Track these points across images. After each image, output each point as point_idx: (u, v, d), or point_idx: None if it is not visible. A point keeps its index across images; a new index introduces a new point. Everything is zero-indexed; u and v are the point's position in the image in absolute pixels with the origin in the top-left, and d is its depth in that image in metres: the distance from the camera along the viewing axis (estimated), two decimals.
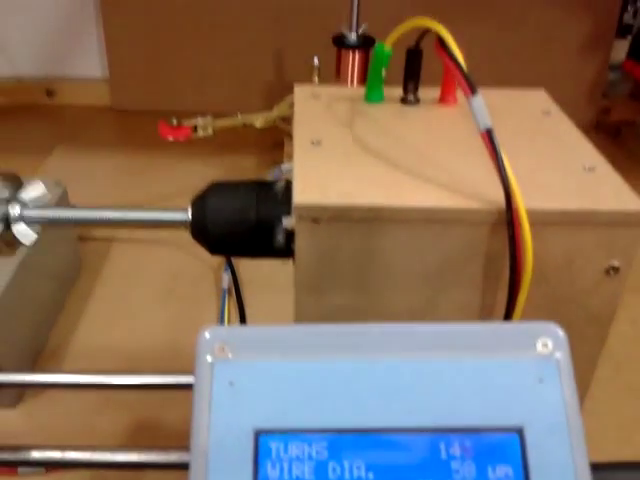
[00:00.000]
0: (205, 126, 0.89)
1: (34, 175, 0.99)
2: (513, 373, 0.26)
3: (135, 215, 0.42)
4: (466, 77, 0.35)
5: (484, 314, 0.38)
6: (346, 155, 0.40)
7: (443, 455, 0.25)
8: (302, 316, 0.39)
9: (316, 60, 0.92)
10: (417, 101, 0.46)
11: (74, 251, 0.80)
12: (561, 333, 0.27)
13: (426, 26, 0.38)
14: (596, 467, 0.25)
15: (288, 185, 0.39)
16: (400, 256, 0.37)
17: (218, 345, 0.27)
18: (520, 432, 0.25)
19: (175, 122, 0.88)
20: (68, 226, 0.73)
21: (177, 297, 0.77)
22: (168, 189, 0.96)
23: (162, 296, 0.77)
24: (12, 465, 0.42)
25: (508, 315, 0.35)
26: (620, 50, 1.22)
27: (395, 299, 0.38)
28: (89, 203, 0.83)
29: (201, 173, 1.00)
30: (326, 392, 0.26)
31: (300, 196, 0.36)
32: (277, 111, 0.92)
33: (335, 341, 0.27)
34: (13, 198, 0.42)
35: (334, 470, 0.24)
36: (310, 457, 0.25)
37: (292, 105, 0.90)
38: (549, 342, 0.27)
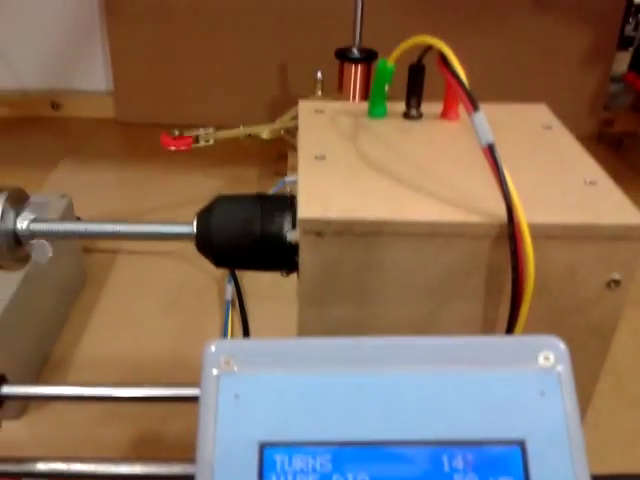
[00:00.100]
0: (206, 136, 0.90)
1: (40, 188, 1.00)
2: (515, 386, 0.26)
3: (142, 228, 0.42)
4: (468, 94, 0.36)
5: (486, 327, 0.39)
6: (350, 170, 0.40)
7: (446, 468, 0.25)
8: (305, 328, 0.39)
9: (319, 74, 0.93)
10: (420, 116, 0.47)
11: (79, 263, 0.80)
12: (562, 346, 0.27)
13: (428, 43, 0.39)
14: (597, 479, 0.26)
15: (292, 199, 0.40)
16: (403, 269, 0.37)
17: (224, 358, 0.27)
18: (522, 445, 0.25)
19: (177, 132, 0.89)
20: (74, 239, 0.73)
21: (181, 308, 0.77)
22: (172, 200, 0.97)
23: (166, 307, 0.77)
24: (17, 477, 0.42)
25: (510, 328, 0.35)
26: (622, 62, 1.23)
27: (398, 312, 0.38)
28: (94, 214, 0.85)
29: (205, 184, 1.01)
30: (330, 405, 0.26)
31: (304, 210, 0.36)
32: (279, 123, 0.93)
33: (339, 354, 0.28)
34: (20, 213, 0.42)
35: None
36: (314, 470, 0.25)
37: (294, 117, 0.91)
38: (551, 355, 0.27)
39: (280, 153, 1.04)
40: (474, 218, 0.36)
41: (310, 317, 0.39)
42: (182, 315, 0.76)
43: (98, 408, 0.61)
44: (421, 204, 0.37)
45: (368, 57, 0.91)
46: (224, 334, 0.72)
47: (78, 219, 0.77)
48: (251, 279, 0.79)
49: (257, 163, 1.09)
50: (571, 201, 0.37)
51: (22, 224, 0.42)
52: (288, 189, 0.83)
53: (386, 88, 0.46)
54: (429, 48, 0.40)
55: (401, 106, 0.47)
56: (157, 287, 0.81)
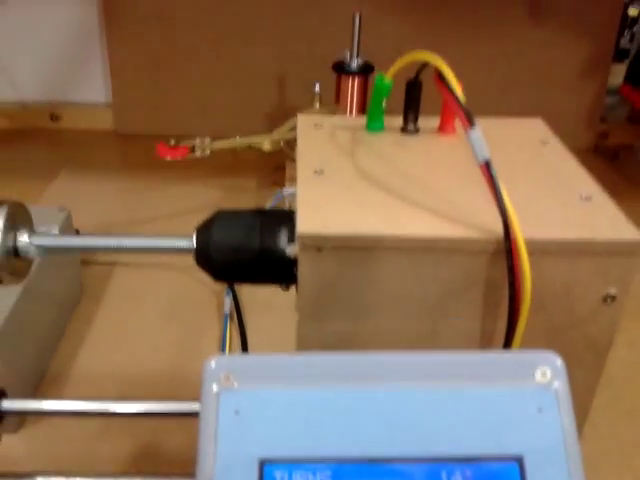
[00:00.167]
0: (203, 146, 0.90)
1: (39, 199, 1.00)
2: (512, 402, 0.27)
3: (141, 242, 0.42)
4: (464, 110, 0.36)
5: (484, 341, 0.39)
6: (348, 184, 0.41)
7: None
8: (304, 342, 0.39)
9: (317, 87, 0.93)
10: (417, 130, 0.47)
11: (76, 275, 0.80)
12: (559, 362, 0.28)
13: (426, 60, 0.39)
14: None
15: (291, 214, 0.40)
16: (401, 284, 0.37)
17: (224, 374, 0.27)
18: (520, 461, 0.26)
19: (173, 142, 0.90)
20: (74, 253, 0.73)
21: (179, 321, 0.77)
22: (171, 210, 0.97)
23: (164, 320, 0.77)
24: None
25: (508, 343, 0.36)
26: (617, 74, 1.24)
27: (396, 326, 0.39)
28: (94, 225, 0.85)
29: (204, 194, 1.01)
30: (330, 421, 0.26)
31: (303, 225, 0.36)
32: (278, 134, 0.93)
33: (338, 370, 0.28)
34: (19, 227, 0.42)
35: None
36: None
37: (292, 129, 0.91)
38: (548, 371, 0.27)
39: (278, 164, 1.04)
40: (472, 234, 0.36)
41: (309, 331, 0.39)
42: (180, 328, 0.76)
43: (96, 422, 0.61)
44: (419, 219, 0.37)
45: (365, 70, 0.92)
46: (222, 348, 0.72)
47: (77, 232, 0.77)
48: (250, 291, 0.80)
49: (255, 174, 1.09)
50: (567, 216, 0.38)
51: (21, 238, 0.42)
52: (286, 201, 0.83)
53: (384, 103, 0.47)
54: (426, 64, 0.41)
55: (398, 120, 0.48)
56: (155, 300, 0.81)
